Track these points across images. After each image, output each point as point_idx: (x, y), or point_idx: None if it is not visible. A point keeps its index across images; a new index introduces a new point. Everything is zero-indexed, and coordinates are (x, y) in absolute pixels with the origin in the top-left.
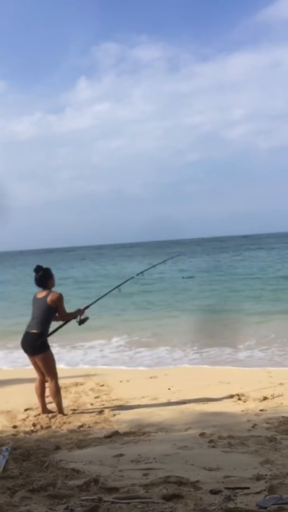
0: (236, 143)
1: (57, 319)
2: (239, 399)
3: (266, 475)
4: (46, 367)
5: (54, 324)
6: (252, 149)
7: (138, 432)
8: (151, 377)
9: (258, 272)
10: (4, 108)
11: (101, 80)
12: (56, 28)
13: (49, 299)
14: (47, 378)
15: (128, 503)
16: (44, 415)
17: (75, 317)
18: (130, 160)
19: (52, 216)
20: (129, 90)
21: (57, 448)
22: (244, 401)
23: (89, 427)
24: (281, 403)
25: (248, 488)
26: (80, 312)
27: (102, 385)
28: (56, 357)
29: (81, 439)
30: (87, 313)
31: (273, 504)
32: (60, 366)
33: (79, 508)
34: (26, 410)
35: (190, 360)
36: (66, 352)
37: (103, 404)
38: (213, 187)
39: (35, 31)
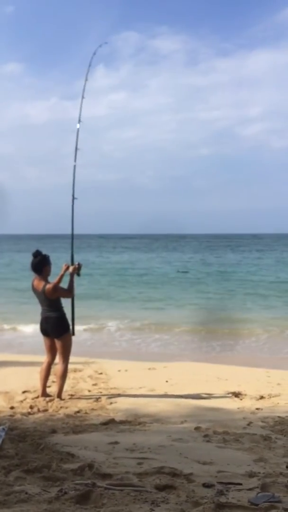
0: (250, 140)
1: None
2: (236, 396)
3: (259, 472)
4: (63, 349)
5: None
6: (265, 148)
7: (134, 422)
8: (149, 369)
9: (254, 274)
10: (19, 91)
11: (119, 69)
12: (77, 14)
13: (46, 294)
14: (60, 360)
15: (121, 490)
16: (42, 398)
17: (78, 274)
18: (141, 151)
19: (59, 202)
20: (146, 80)
21: (53, 431)
22: (241, 399)
23: (86, 413)
24: (278, 403)
25: (240, 484)
26: (75, 267)
27: (101, 373)
28: None
29: (77, 425)
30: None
31: (264, 502)
32: None
33: (73, 492)
34: (24, 392)
35: (189, 355)
36: None
37: (101, 392)
38: (223, 183)
39: (56, 16)
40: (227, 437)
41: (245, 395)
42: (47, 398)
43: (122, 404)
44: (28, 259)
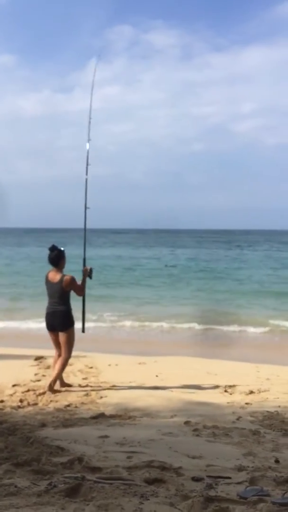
0: (243, 137)
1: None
2: (225, 391)
3: (248, 466)
4: (67, 342)
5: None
6: (258, 144)
7: (124, 416)
8: (139, 363)
9: (240, 269)
10: (12, 83)
11: (113, 63)
12: (71, 6)
13: (64, 284)
14: (63, 352)
15: (111, 483)
16: (32, 392)
17: (90, 277)
18: (134, 146)
19: (51, 196)
20: (140, 75)
21: (43, 425)
22: (231, 394)
23: (76, 407)
24: (267, 398)
25: (229, 478)
26: (87, 270)
27: (91, 367)
28: None
29: (67, 418)
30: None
31: (253, 495)
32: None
33: (62, 485)
34: (14, 386)
35: (179, 349)
36: None
37: (91, 386)
38: (216, 179)
39: (49, 8)
40: (216, 432)
41: (235, 389)
42: (37, 392)
43: (112, 398)
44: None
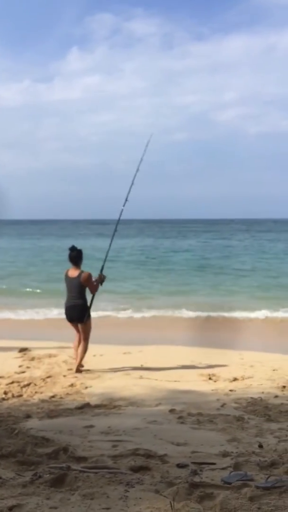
0: (225, 126)
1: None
2: (210, 378)
3: (232, 452)
4: (86, 331)
5: None
6: (240, 133)
7: (109, 405)
8: (124, 353)
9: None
10: None
11: (93, 52)
12: None
13: (82, 279)
14: (82, 340)
15: (96, 472)
16: (16, 384)
17: (101, 283)
18: (117, 136)
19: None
20: (121, 64)
21: (28, 416)
22: (215, 381)
23: (61, 398)
24: (250, 384)
25: (214, 463)
26: (101, 277)
27: (76, 358)
28: None
29: (52, 409)
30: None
31: (237, 480)
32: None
33: (47, 475)
34: None
35: (163, 338)
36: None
37: (76, 377)
38: (198, 168)
39: None
40: (201, 419)
41: (219, 377)
42: (22, 383)
43: (97, 388)
44: None
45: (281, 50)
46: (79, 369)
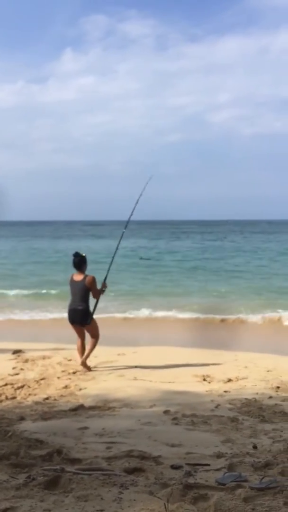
0: (219, 127)
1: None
2: (204, 379)
3: (226, 453)
4: (93, 330)
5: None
6: (234, 135)
7: (103, 407)
8: (119, 354)
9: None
10: None
11: (88, 53)
12: None
13: (86, 282)
14: (92, 337)
15: (90, 474)
16: (10, 386)
17: (103, 292)
18: (111, 137)
19: (27, 188)
20: (115, 65)
21: (22, 418)
22: (209, 382)
23: (55, 399)
24: (245, 385)
25: (208, 465)
26: (104, 286)
27: (70, 360)
28: None
29: (46, 411)
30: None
31: (232, 481)
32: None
33: (41, 478)
34: None
35: (158, 339)
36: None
37: (70, 378)
38: (193, 169)
39: None
40: (195, 420)
41: (213, 378)
42: (15, 385)
43: (92, 390)
44: None
45: (275, 52)
46: (85, 364)
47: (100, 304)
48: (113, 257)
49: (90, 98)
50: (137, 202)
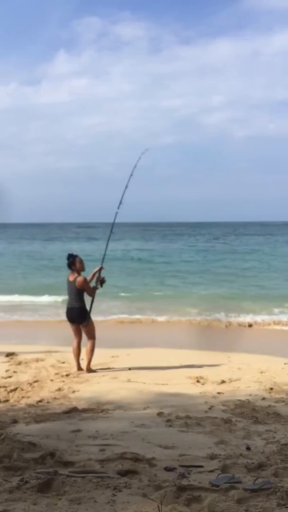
0: (212, 129)
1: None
2: (198, 381)
3: (220, 454)
4: (89, 331)
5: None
6: (227, 137)
7: (96, 409)
8: (112, 357)
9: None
10: None
11: (81, 55)
12: None
13: (76, 284)
14: (88, 339)
15: (83, 477)
16: (3, 389)
17: (97, 288)
18: (104, 139)
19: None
20: (108, 67)
21: (15, 421)
22: (203, 384)
23: (48, 402)
24: (238, 387)
25: (202, 466)
26: (99, 279)
27: (63, 362)
28: None
29: (39, 414)
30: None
31: (225, 483)
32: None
33: (34, 480)
34: None
35: (152, 341)
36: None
37: (63, 381)
38: (186, 172)
39: None
40: (189, 421)
41: (207, 379)
42: (8, 388)
43: (85, 392)
44: None
45: (268, 54)
46: (90, 369)
47: (102, 306)
48: (106, 248)
49: (83, 100)
50: (131, 175)
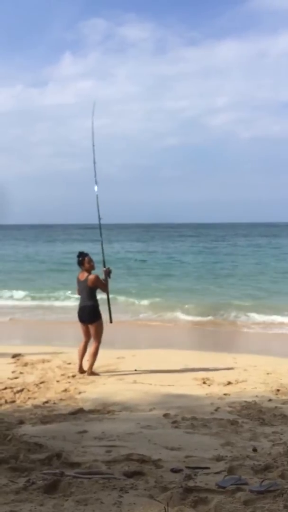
0: (217, 130)
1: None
2: (204, 382)
3: (226, 456)
4: (96, 332)
5: None
6: (232, 138)
7: (102, 410)
8: (118, 358)
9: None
10: None
11: (87, 57)
12: None
13: (89, 282)
14: (93, 341)
15: (90, 478)
16: (10, 390)
17: (109, 277)
18: (109, 140)
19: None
20: (114, 69)
21: (21, 422)
22: (209, 385)
23: (54, 403)
24: (244, 388)
25: (208, 468)
26: (106, 271)
27: (69, 363)
28: None
29: (46, 415)
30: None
31: (232, 484)
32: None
33: (41, 482)
34: None
35: (158, 343)
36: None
37: (69, 382)
38: (191, 172)
39: (20, 1)
40: (195, 423)
41: (213, 381)
42: (15, 389)
43: (91, 393)
44: None
45: (272, 55)
46: (92, 373)
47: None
48: (101, 244)
49: (88, 102)
50: (93, 145)
